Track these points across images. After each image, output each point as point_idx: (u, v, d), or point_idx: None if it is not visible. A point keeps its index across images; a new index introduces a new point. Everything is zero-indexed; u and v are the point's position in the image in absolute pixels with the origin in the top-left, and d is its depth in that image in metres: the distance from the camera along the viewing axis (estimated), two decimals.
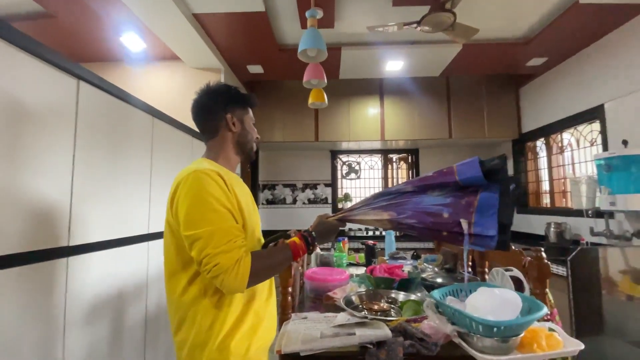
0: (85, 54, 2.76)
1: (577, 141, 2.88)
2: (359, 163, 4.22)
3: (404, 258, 2.08)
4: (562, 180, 3.06)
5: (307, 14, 1.68)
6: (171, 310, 0.86)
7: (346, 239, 2.34)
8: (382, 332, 0.87)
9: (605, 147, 2.46)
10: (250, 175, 3.71)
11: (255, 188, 3.74)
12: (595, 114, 2.55)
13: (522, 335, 0.84)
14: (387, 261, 1.94)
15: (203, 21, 2.26)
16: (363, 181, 4.21)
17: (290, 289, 1.13)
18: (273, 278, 1.01)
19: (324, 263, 1.87)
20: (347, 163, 4.23)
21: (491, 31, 2.54)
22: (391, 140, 3.60)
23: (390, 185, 4.22)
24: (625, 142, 2.30)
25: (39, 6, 2.10)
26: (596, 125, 2.59)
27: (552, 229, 2.70)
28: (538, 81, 3.21)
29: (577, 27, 2.35)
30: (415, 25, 1.84)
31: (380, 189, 4.30)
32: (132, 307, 1.51)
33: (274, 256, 0.86)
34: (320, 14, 2.00)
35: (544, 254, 1.09)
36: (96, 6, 2.08)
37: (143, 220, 1.63)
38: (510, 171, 3.67)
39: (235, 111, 0.97)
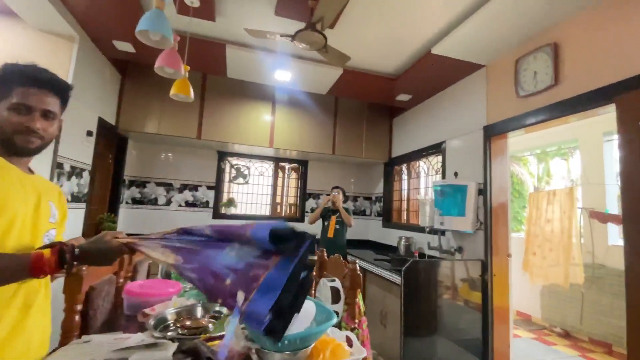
0: None
1: (428, 169, 3.43)
2: (248, 168, 4.10)
3: None
4: (416, 200, 3.59)
5: None
6: None
7: None
8: (161, 355, 0.78)
9: (444, 176, 2.99)
10: (113, 168, 3.17)
11: (117, 183, 3.21)
12: (439, 148, 3.08)
13: (312, 346, 0.87)
14: None
15: None
16: (251, 187, 4.10)
17: (79, 307, 0.94)
18: (41, 287, 0.81)
19: (167, 275, 1.69)
20: (235, 166, 4.06)
21: (367, 62, 2.82)
22: (283, 150, 3.61)
23: (279, 193, 4.22)
24: (456, 174, 2.84)
25: None
26: (440, 158, 3.13)
27: (402, 242, 3.11)
28: (406, 114, 3.73)
29: (431, 74, 2.81)
30: (290, 38, 1.87)
31: (270, 196, 4.30)
32: None
33: None
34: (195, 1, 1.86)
35: (358, 266, 1.19)
36: None
37: None
38: (380, 189, 4.13)
39: None
